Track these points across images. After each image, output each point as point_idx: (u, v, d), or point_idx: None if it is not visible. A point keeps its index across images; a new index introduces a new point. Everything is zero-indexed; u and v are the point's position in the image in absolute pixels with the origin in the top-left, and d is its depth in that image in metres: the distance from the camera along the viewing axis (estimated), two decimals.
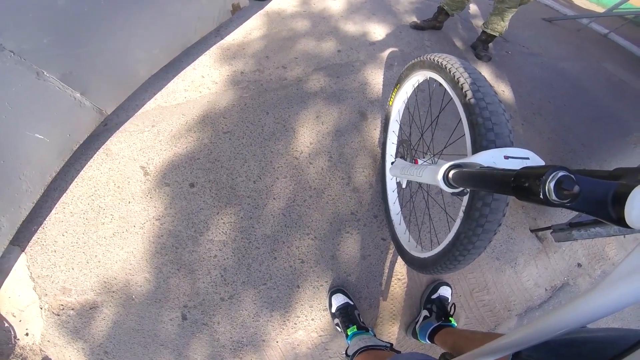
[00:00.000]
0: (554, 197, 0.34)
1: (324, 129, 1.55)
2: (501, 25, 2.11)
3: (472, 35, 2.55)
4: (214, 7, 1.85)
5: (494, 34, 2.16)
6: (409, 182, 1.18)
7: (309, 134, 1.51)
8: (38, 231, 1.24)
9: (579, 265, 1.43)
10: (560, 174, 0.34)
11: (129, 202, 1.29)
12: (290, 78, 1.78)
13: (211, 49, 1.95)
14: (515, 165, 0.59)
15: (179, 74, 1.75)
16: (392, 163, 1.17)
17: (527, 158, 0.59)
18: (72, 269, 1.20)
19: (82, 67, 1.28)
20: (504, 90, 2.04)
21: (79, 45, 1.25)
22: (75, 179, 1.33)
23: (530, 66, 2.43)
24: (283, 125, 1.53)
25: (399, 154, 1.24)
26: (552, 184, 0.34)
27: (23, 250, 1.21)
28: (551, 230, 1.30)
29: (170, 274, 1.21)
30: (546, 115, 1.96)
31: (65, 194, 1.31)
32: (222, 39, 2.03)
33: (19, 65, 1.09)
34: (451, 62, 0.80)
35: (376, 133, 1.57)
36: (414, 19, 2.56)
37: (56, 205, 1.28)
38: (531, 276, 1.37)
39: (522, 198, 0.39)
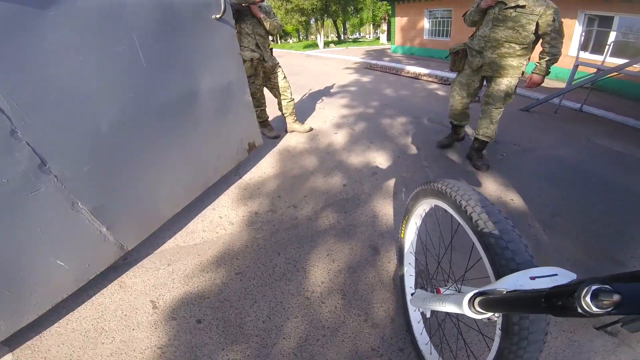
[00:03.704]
0: (594, 309, 0.34)
1: (336, 266, 1.51)
2: (491, 129, 2.20)
3: (465, 148, 2.66)
4: (233, 146, 2.04)
5: (486, 139, 2.24)
6: (433, 311, 1.05)
7: (320, 273, 1.48)
8: (34, 338, 1.19)
9: None
10: (594, 287, 0.34)
11: (133, 329, 1.23)
12: (301, 217, 1.86)
13: (230, 188, 2.14)
14: (544, 284, 0.55)
15: (199, 214, 1.88)
16: (412, 294, 1.07)
17: (556, 274, 0.56)
18: None
19: (112, 201, 1.31)
20: (512, 199, 1.99)
21: (114, 177, 1.31)
22: (85, 302, 1.34)
23: (528, 164, 2.45)
24: (294, 265, 1.52)
25: (418, 285, 1.16)
26: (588, 299, 0.34)
27: (11, 351, 1.14)
28: (621, 324, 1.06)
29: None
30: (565, 214, 1.86)
31: (71, 313, 1.29)
32: (240, 177, 2.27)
33: (59, 193, 1.12)
34: (450, 187, 0.81)
35: (391, 266, 1.51)
36: (408, 140, 2.85)
37: (60, 321, 1.26)
38: None
39: (561, 315, 0.39)
